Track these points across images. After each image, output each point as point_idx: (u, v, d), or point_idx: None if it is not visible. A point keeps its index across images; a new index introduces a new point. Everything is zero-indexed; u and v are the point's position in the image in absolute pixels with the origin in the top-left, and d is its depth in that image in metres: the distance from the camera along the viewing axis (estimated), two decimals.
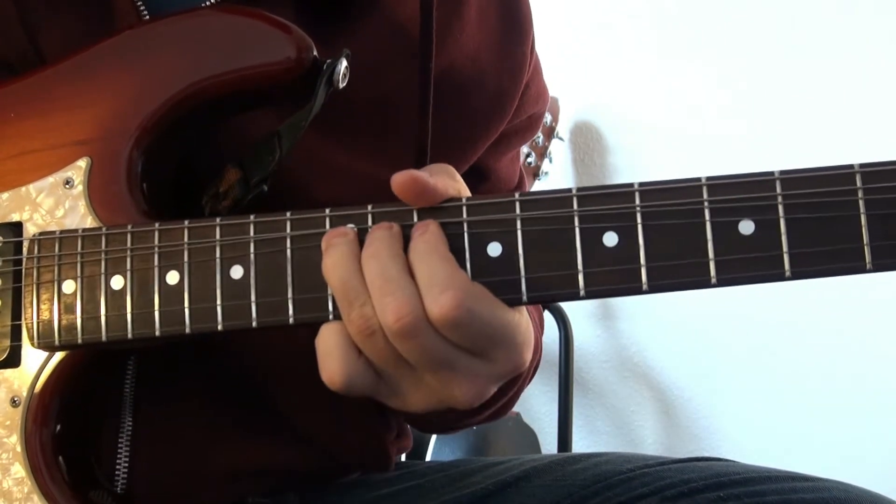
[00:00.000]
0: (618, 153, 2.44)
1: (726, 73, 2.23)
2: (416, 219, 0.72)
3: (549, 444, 2.41)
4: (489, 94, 0.99)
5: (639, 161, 2.41)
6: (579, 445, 2.47)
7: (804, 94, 2.13)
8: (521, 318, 0.73)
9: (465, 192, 0.75)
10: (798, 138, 2.12)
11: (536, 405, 2.51)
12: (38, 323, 0.79)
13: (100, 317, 0.77)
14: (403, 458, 1.22)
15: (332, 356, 0.72)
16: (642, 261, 0.68)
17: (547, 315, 2.11)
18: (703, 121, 2.27)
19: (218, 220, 0.76)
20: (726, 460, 0.95)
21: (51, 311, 0.78)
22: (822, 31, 2.11)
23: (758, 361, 2.25)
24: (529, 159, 2.26)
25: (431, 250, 0.70)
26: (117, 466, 0.87)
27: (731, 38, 2.23)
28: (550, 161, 2.30)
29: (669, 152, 2.33)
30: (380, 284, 0.70)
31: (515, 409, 2.06)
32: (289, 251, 0.74)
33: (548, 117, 2.20)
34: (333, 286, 0.72)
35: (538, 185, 2.26)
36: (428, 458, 2.13)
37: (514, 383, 0.97)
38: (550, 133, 2.26)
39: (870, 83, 2.05)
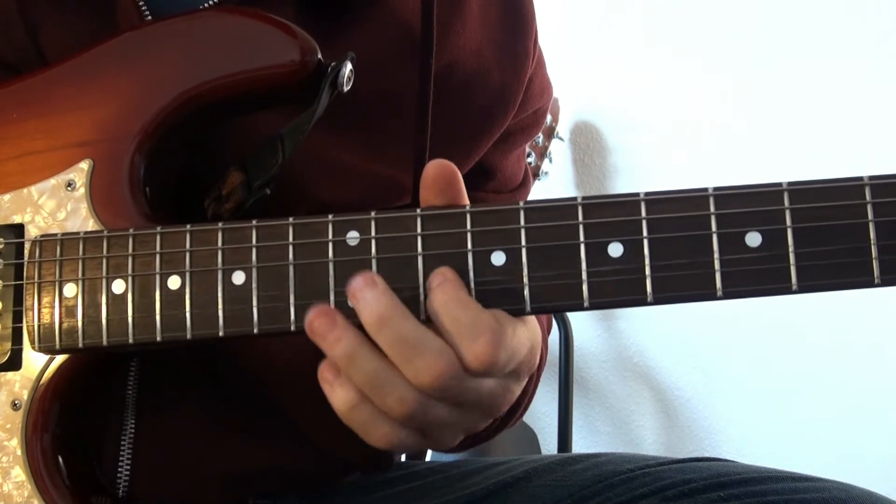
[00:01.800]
0: (618, 153, 2.43)
1: (727, 73, 2.23)
2: (419, 226, 0.72)
3: (549, 444, 2.41)
4: (492, 91, 0.99)
5: (639, 161, 2.41)
6: (579, 445, 2.47)
7: (806, 95, 2.12)
8: (536, 331, 0.74)
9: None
10: (799, 139, 2.12)
11: (536, 405, 2.51)
12: (38, 326, 0.78)
13: (101, 321, 0.77)
14: (404, 458, 1.22)
15: (372, 427, 0.71)
16: (647, 272, 0.68)
17: None
18: (703, 121, 2.27)
19: (220, 224, 0.76)
20: (726, 460, 0.95)
21: (52, 315, 0.78)
22: (824, 31, 2.11)
23: (758, 362, 2.25)
24: (529, 159, 2.25)
25: (450, 300, 0.69)
26: (119, 470, 0.87)
27: (731, 37, 2.22)
28: (550, 161, 2.30)
29: (669, 152, 2.33)
30: (403, 351, 0.68)
31: None
32: (291, 257, 0.74)
33: (548, 117, 2.20)
34: (359, 382, 0.69)
35: (538, 185, 2.25)
36: (428, 458, 2.12)
37: (526, 391, 0.97)
38: (550, 133, 2.25)
39: (875, 84, 2.05)
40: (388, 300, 0.69)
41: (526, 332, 0.72)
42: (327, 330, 0.69)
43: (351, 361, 0.69)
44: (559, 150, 2.39)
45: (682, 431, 2.40)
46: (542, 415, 2.52)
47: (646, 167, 2.38)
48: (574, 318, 2.32)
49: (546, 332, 1.07)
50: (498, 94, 0.99)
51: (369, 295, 0.69)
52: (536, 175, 2.27)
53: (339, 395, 0.70)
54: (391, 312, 0.68)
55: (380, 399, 0.69)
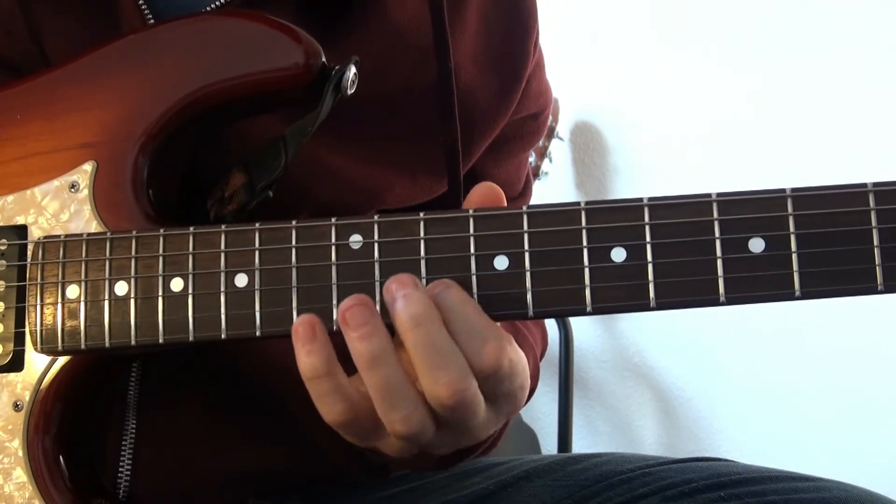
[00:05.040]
0: (618, 153, 2.43)
1: (728, 73, 2.23)
2: (422, 229, 0.72)
3: (549, 444, 2.41)
4: (490, 93, 0.99)
5: (639, 161, 2.40)
6: (579, 445, 2.47)
7: (807, 96, 2.12)
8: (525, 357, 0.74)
9: None
10: (801, 139, 2.12)
11: (536, 405, 2.51)
12: (41, 327, 0.78)
13: (103, 323, 0.77)
14: None
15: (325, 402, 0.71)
16: (650, 277, 0.68)
17: None
18: (703, 121, 2.27)
19: (223, 227, 0.76)
20: (727, 460, 0.96)
21: (54, 316, 0.78)
22: (826, 30, 2.11)
23: (758, 361, 2.25)
24: (530, 159, 2.25)
25: (465, 302, 0.69)
26: (120, 471, 0.87)
27: (731, 37, 2.22)
28: (550, 161, 2.30)
29: (670, 152, 2.32)
30: (432, 358, 0.67)
31: None
32: (294, 260, 0.74)
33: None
34: (374, 388, 0.68)
35: (538, 185, 2.25)
36: None
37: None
38: (550, 133, 2.25)
39: (879, 83, 2.05)
40: (430, 304, 0.68)
41: (524, 363, 0.73)
42: (361, 322, 0.68)
43: (375, 364, 0.68)
44: (559, 150, 2.39)
45: (682, 431, 2.40)
46: (542, 415, 2.52)
47: (646, 167, 2.38)
48: (574, 318, 2.32)
49: (539, 356, 1.08)
50: (495, 97, 0.99)
51: (413, 293, 0.68)
52: (536, 175, 2.27)
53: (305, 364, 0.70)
54: (430, 316, 0.68)
55: (386, 415, 0.69)
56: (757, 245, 0.67)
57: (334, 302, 0.73)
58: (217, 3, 0.87)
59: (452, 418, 0.70)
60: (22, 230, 0.81)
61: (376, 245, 0.73)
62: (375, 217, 0.73)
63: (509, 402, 0.73)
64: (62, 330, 0.78)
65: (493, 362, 0.68)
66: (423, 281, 0.71)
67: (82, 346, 0.77)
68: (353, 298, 0.69)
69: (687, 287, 0.67)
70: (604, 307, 0.69)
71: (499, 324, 0.70)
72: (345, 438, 0.74)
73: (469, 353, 0.68)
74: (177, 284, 0.76)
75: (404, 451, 0.74)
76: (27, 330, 0.79)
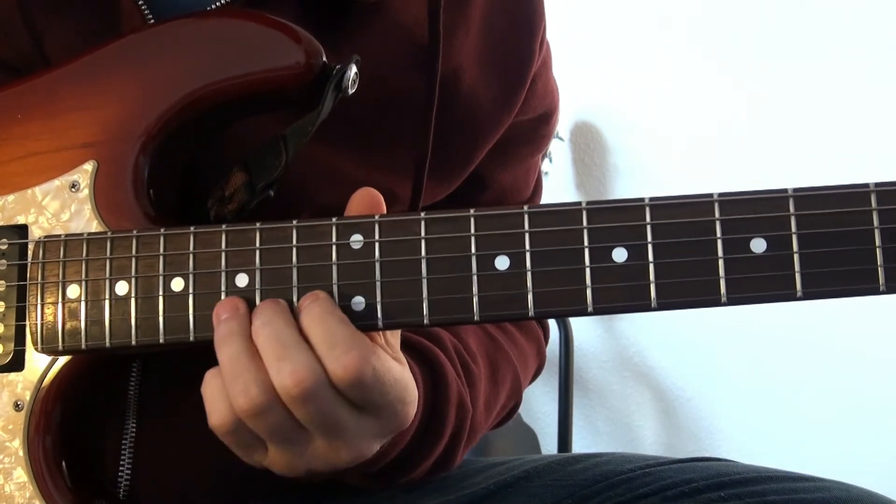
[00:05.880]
0: (618, 153, 2.43)
1: (728, 73, 2.22)
2: (423, 228, 0.72)
3: (549, 444, 2.41)
4: (493, 93, 0.98)
5: (639, 161, 2.40)
6: (579, 445, 2.47)
7: (808, 96, 2.12)
8: (410, 375, 0.75)
9: None
10: (801, 140, 2.12)
11: (536, 405, 2.51)
12: (42, 327, 0.78)
13: (104, 322, 0.77)
14: None
15: (216, 404, 0.74)
16: (652, 278, 0.68)
17: None
18: (704, 121, 2.27)
19: (223, 226, 0.76)
20: (727, 460, 0.96)
21: (55, 316, 0.78)
22: (826, 31, 2.10)
23: (758, 361, 2.25)
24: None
25: (327, 313, 0.72)
26: (120, 471, 0.87)
27: (731, 38, 2.22)
28: (550, 161, 2.30)
29: (670, 152, 2.32)
30: (276, 350, 0.71)
31: None
32: (294, 260, 0.74)
33: None
34: (222, 362, 0.73)
35: None
36: None
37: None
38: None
39: (879, 84, 2.04)
40: (278, 308, 0.72)
41: (400, 373, 0.74)
42: (227, 307, 0.73)
43: (223, 342, 0.73)
44: (559, 150, 2.39)
45: (682, 431, 2.40)
46: (542, 415, 2.51)
47: (646, 167, 2.38)
48: (574, 318, 2.32)
49: (530, 372, 1.08)
50: (498, 96, 0.99)
51: (266, 304, 0.73)
52: None
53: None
54: (276, 317, 0.72)
55: (231, 388, 0.72)
56: (759, 245, 0.67)
57: (335, 302, 0.73)
58: (218, 2, 0.87)
59: (308, 415, 0.71)
60: (22, 230, 0.81)
61: (377, 245, 0.73)
62: (376, 216, 0.73)
63: (388, 415, 0.74)
64: (63, 329, 0.78)
65: (353, 370, 0.69)
66: (424, 281, 0.71)
67: (83, 346, 0.77)
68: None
69: (688, 287, 0.67)
70: (605, 307, 0.68)
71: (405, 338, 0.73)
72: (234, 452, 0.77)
73: (328, 359, 0.70)
74: (177, 284, 0.76)
75: (289, 464, 0.76)
76: (28, 329, 0.79)
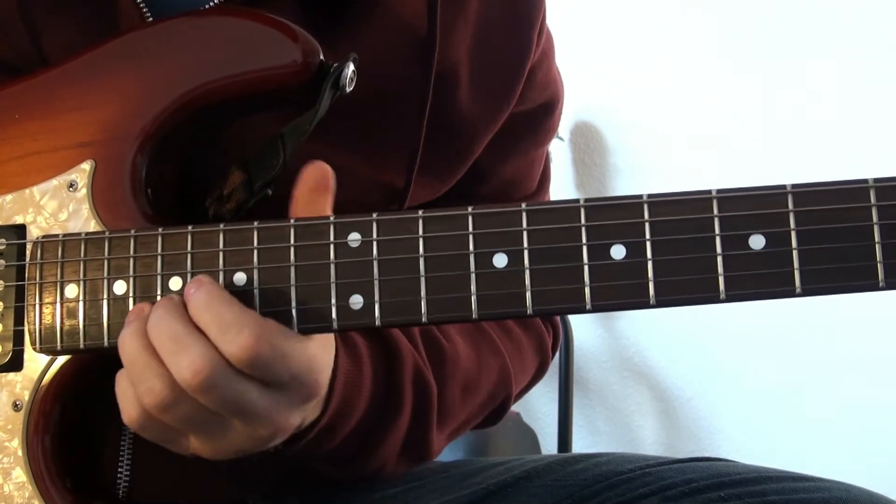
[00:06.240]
0: (618, 153, 2.43)
1: (728, 73, 2.22)
2: (421, 227, 0.72)
3: (549, 444, 2.40)
4: (491, 86, 0.98)
5: (639, 161, 2.40)
6: (579, 445, 2.47)
7: (808, 95, 2.12)
8: (313, 343, 0.75)
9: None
10: (801, 140, 2.12)
11: (536, 405, 2.51)
12: (40, 327, 0.78)
13: (102, 322, 0.77)
14: None
15: (125, 402, 0.75)
16: (650, 275, 0.68)
17: None
18: (704, 120, 2.27)
19: (221, 226, 0.76)
20: (727, 460, 0.95)
21: (53, 316, 0.78)
22: (826, 30, 2.10)
23: (758, 361, 2.25)
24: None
25: (213, 297, 0.72)
26: (119, 470, 0.87)
27: (731, 37, 2.22)
28: (551, 161, 2.29)
29: (670, 152, 2.32)
30: (170, 346, 0.71)
31: (515, 409, 2.06)
32: (292, 259, 0.74)
33: None
34: (124, 363, 0.74)
35: None
36: None
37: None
38: None
39: (878, 82, 2.04)
40: (171, 304, 0.73)
41: (299, 341, 0.74)
42: (133, 312, 0.75)
43: (123, 345, 0.73)
44: (559, 150, 2.38)
45: (682, 431, 2.40)
46: (542, 415, 2.51)
47: (646, 167, 2.38)
48: (574, 317, 2.32)
49: (526, 367, 1.07)
50: (497, 88, 0.99)
51: (161, 302, 0.74)
52: None
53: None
54: (167, 311, 0.72)
55: (137, 388, 0.73)
56: (757, 242, 0.66)
57: (333, 301, 0.72)
58: (215, 0, 0.87)
59: (215, 402, 0.71)
60: (21, 229, 0.81)
61: (375, 243, 0.72)
62: (374, 215, 0.73)
63: (297, 385, 0.74)
64: (61, 329, 0.78)
65: (249, 349, 0.70)
66: (422, 279, 0.71)
67: (81, 346, 0.77)
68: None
69: (687, 284, 0.67)
70: (603, 305, 0.68)
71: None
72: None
73: (223, 343, 0.70)
74: (175, 283, 0.75)
75: (213, 448, 0.76)
76: (26, 329, 0.79)
